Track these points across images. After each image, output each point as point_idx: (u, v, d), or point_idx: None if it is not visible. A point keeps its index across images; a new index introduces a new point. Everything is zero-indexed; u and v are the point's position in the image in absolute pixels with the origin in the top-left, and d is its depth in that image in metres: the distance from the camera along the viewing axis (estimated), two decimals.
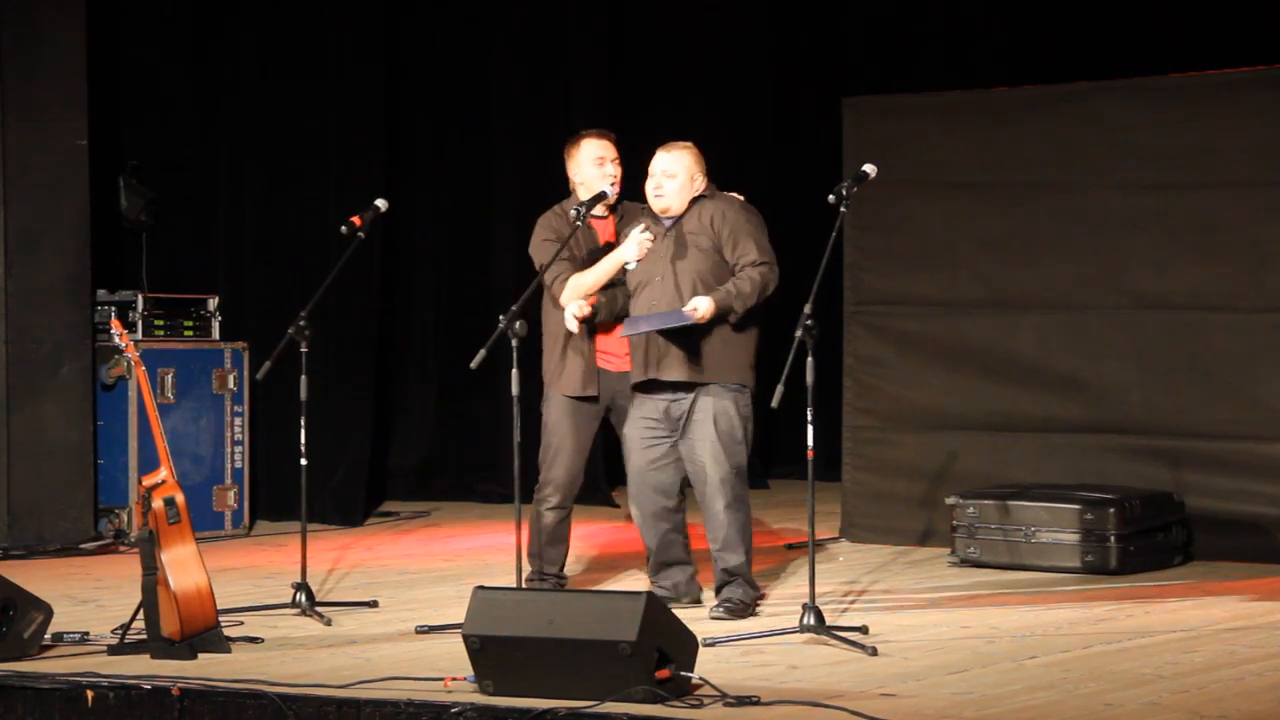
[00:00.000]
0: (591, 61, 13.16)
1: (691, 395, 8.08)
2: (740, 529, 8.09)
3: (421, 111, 13.21)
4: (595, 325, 8.32)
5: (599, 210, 8.41)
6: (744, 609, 8.06)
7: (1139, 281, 10.12)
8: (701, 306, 7.89)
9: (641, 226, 8.16)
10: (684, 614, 7.01)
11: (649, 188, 8.17)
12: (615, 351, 8.39)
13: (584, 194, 8.39)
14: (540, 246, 8.40)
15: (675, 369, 8.05)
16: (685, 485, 8.27)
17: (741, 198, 8.30)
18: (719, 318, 7.97)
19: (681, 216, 8.15)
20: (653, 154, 8.23)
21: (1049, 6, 12.78)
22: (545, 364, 8.45)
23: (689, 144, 8.22)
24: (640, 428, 8.19)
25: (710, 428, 8.04)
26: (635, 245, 8.14)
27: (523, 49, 13.16)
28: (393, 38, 12.66)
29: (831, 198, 7.71)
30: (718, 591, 8.15)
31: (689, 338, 8.01)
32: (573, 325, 8.20)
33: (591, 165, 8.43)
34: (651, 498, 8.21)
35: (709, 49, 13.76)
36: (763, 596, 8.43)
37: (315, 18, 12.18)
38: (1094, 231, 10.21)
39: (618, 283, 8.26)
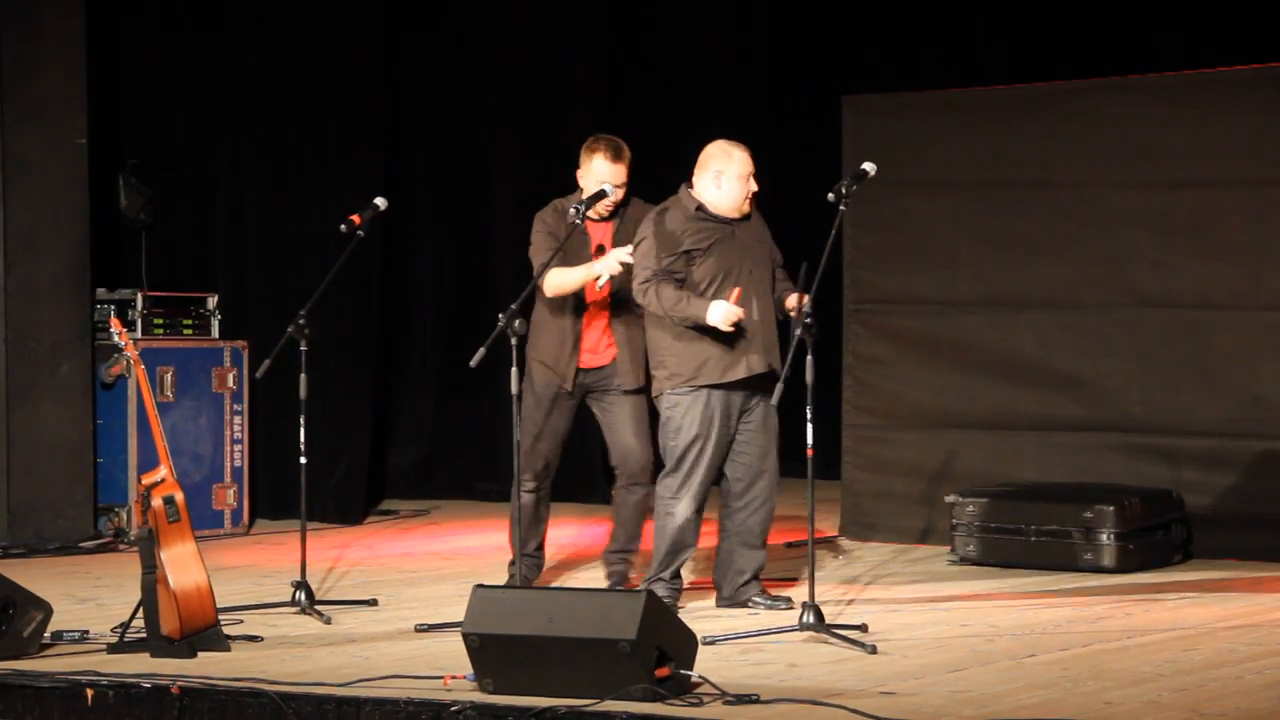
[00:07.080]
0: (592, 60, 13.14)
1: (752, 390, 8.10)
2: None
3: (421, 111, 13.20)
4: (581, 316, 8.44)
5: (600, 210, 8.42)
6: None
7: (1139, 280, 10.11)
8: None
9: (628, 249, 8.18)
10: (684, 612, 7.00)
11: (748, 188, 8.13)
12: (592, 349, 8.49)
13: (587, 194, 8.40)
14: (536, 241, 8.48)
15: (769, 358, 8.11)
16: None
17: None
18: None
19: (748, 216, 8.19)
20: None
21: (1049, 6, 12.77)
22: (529, 351, 8.46)
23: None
24: (722, 431, 8.09)
25: (775, 423, 8.15)
26: (614, 261, 8.23)
27: (523, 48, 13.15)
28: (393, 37, 12.65)
29: (831, 196, 7.71)
30: (752, 580, 8.24)
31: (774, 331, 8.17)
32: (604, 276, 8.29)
33: (595, 184, 8.44)
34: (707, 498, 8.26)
35: (709, 48, 13.76)
36: None
37: (315, 18, 12.17)
38: (1094, 230, 10.20)
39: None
